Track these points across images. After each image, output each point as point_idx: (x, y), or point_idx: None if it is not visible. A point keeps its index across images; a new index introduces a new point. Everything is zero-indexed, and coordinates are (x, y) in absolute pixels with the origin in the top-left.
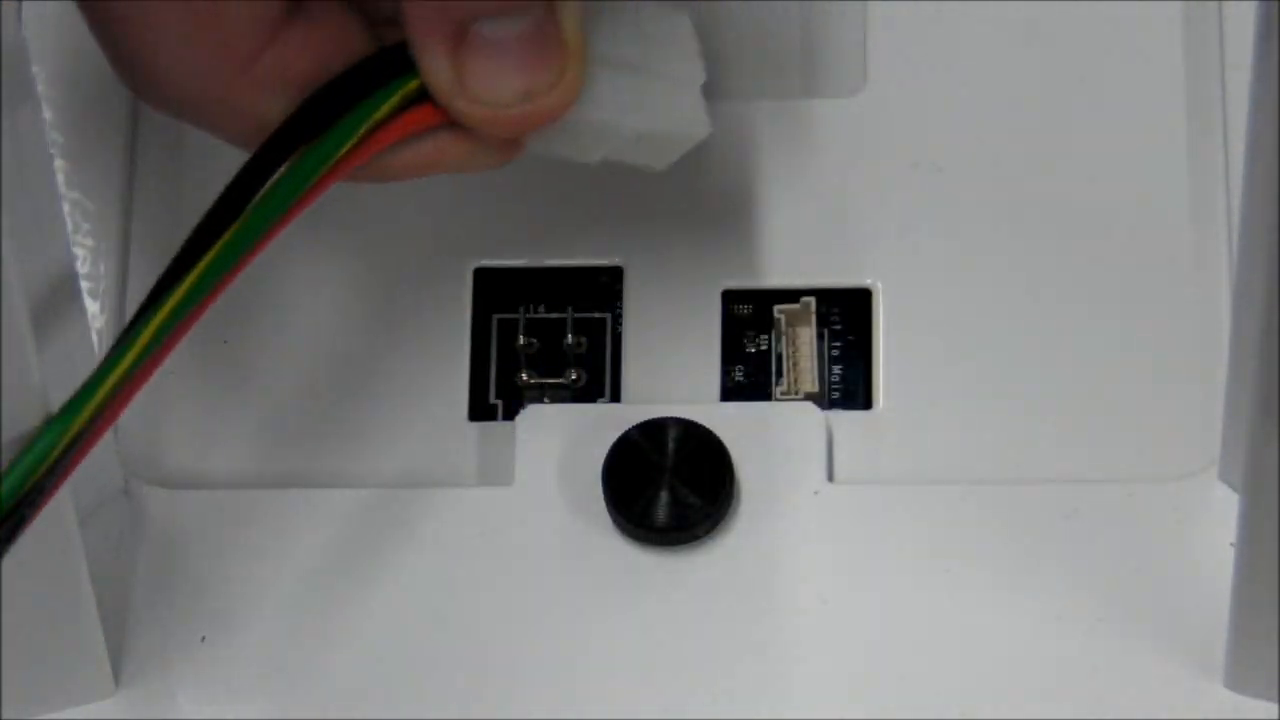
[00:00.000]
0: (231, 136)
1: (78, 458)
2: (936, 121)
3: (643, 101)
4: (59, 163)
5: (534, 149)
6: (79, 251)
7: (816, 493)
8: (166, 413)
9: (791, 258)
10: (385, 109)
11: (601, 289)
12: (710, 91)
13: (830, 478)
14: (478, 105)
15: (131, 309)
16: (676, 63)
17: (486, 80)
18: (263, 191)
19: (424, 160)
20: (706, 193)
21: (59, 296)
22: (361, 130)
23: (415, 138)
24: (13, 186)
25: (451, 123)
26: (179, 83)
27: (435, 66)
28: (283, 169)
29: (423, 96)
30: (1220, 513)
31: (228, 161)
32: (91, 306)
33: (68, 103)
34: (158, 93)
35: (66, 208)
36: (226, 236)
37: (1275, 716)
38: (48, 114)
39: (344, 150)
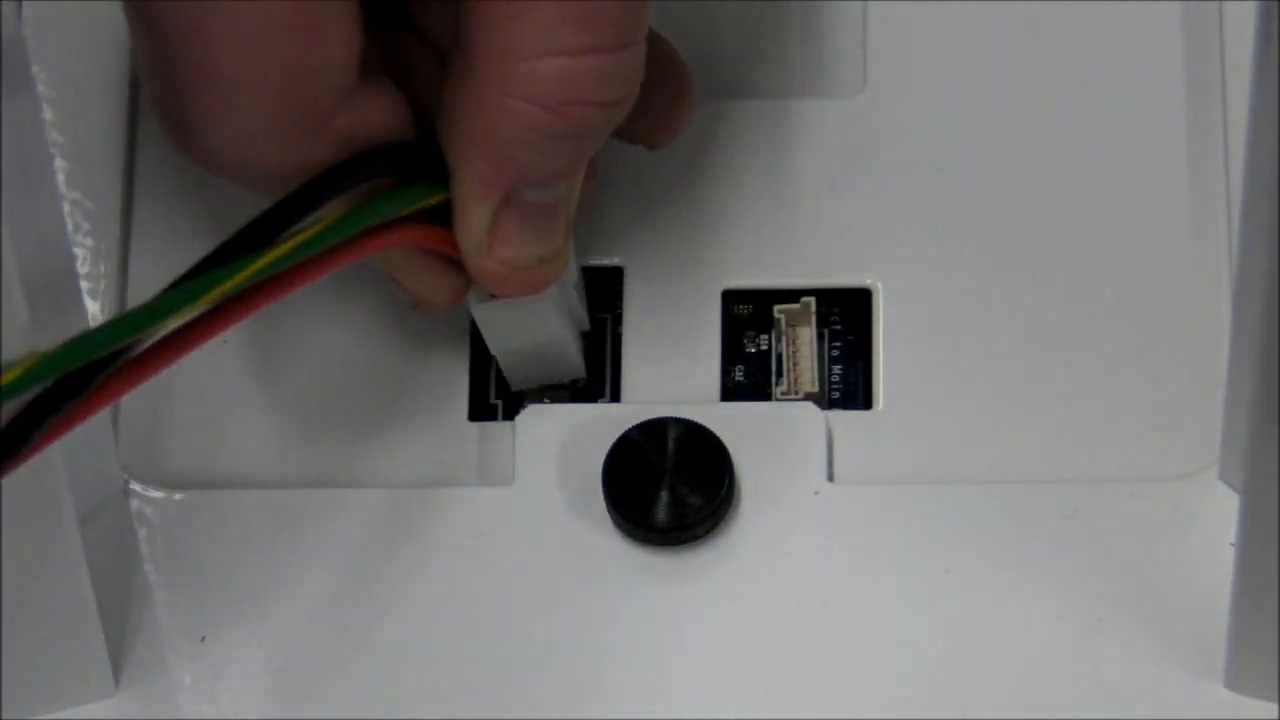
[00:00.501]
0: (279, 193)
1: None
2: (936, 121)
3: (570, 321)
4: (59, 163)
5: (471, 308)
6: (79, 251)
7: (816, 493)
8: (166, 413)
9: (791, 258)
10: (411, 209)
11: (601, 289)
12: (710, 91)
13: (830, 478)
14: (499, 264)
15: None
16: (579, 302)
17: (516, 242)
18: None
19: (394, 267)
20: (706, 193)
21: (59, 296)
22: (382, 219)
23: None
24: (13, 186)
25: (447, 255)
26: (253, 149)
27: (474, 222)
28: (305, 232)
29: (435, 215)
30: (1220, 513)
31: None
32: (91, 306)
33: (68, 103)
34: (225, 159)
35: (66, 208)
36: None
37: (1275, 717)
38: (48, 114)
39: (360, 231)
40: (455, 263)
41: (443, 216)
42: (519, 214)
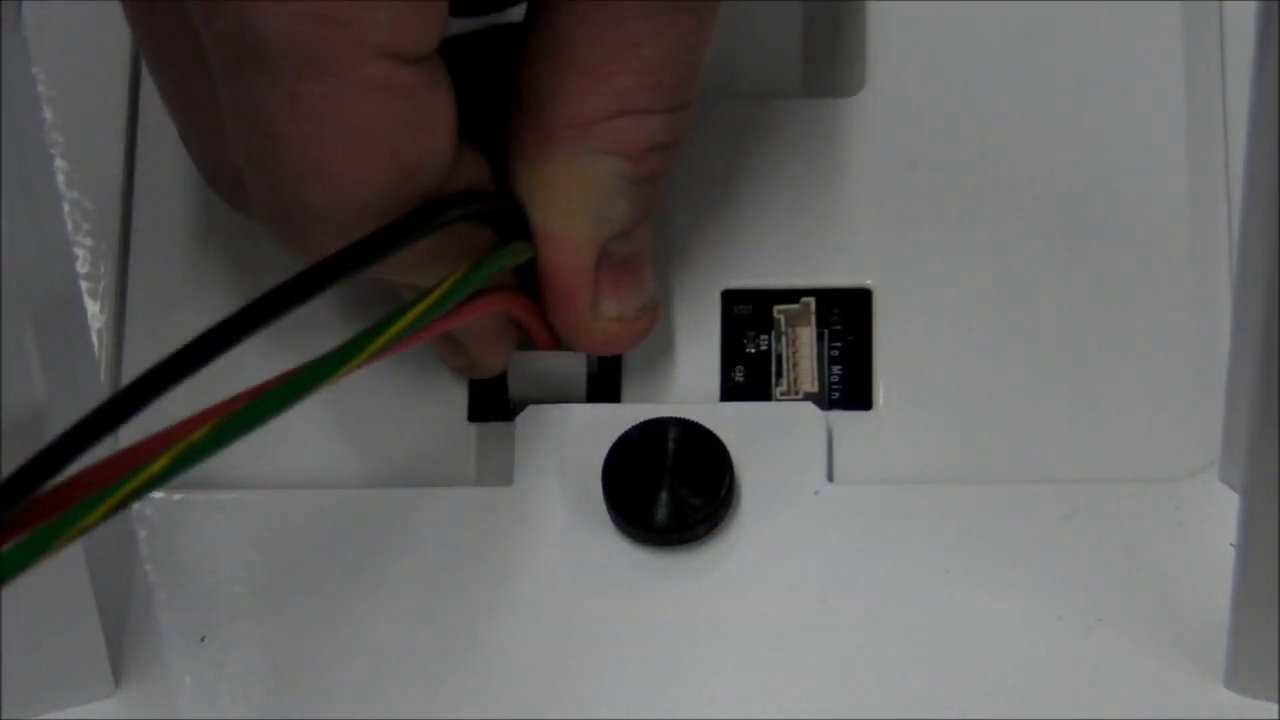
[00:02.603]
0: None
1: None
2: (936, 121)
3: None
4: (59, 163)
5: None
6: (79, 251)
7: (816, 493)
8: (166, 413)
9: (791, 258)
10: (517, 262)
11: None
12: (710, 91)
13: (830, 478)
14: (608, 322)
15: (132, 309)
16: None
17: (619, 297)
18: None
19: (468, 335)
20: (706, 193)
21: (59, 297)
22: (498, 269)
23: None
24: (13, 186)
25: (520, 323)
26: (352, 232)
27: (582, 290)
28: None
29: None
30: (1220, 513)
31: None
32: (91, 306)
33: (68, 103)
34: (324, 244)
35: (66, 208)
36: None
37: (1275, 716)
38: (48, 114)
39: (472, 293)
40: (517, 330)
41: (525, 283)
42: (613, 270)
